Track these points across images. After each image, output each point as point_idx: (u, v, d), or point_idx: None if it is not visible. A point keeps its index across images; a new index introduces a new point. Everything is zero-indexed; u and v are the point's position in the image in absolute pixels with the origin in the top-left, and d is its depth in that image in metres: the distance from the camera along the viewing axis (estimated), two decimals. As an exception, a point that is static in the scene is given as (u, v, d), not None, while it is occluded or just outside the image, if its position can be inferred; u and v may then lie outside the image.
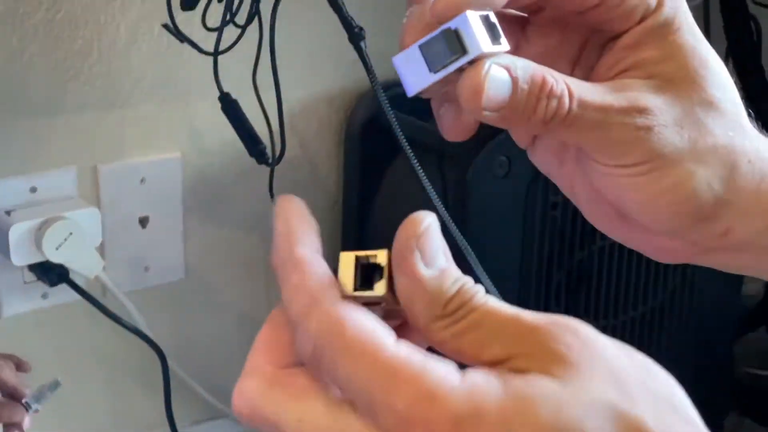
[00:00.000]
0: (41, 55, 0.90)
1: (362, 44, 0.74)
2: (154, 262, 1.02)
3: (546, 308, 0.99)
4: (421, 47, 0.40)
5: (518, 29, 0.44)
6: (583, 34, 0.44)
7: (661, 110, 0.41)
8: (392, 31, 1.17)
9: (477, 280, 0.35)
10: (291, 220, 0.37)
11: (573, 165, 0.45)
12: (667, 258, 0.46)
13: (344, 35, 0.81)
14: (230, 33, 0.87)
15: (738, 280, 1.16)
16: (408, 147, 0.71)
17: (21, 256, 0.90)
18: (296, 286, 0.34)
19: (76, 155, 0.94)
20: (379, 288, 0.34)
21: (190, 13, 0.84)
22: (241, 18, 0.86)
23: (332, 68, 1.06)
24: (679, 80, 0.42)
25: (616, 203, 0.44)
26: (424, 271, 0.34)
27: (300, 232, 0.37)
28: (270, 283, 1.10)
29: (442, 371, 0.31)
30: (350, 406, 0.32)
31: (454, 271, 0.34)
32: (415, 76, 0.41)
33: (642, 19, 0.42)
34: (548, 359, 0.31)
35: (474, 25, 0.39)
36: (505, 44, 0.39)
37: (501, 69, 0.39)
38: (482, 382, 0.31)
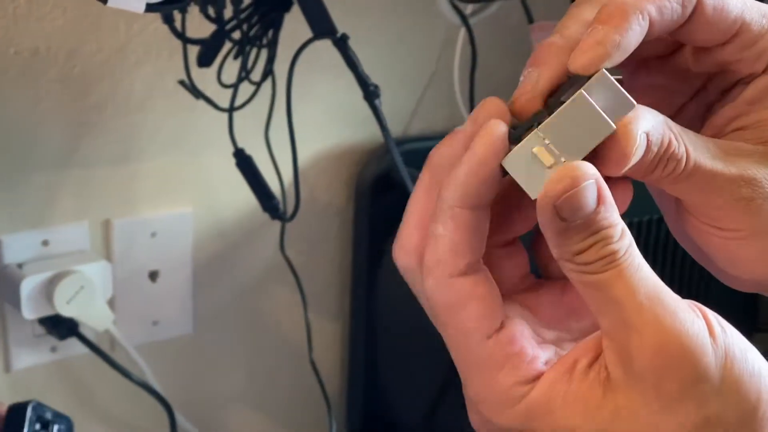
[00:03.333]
0: (56, 110, 0.91)
1: (377, 102, 0.75)
2: (164, 316, 1.02)
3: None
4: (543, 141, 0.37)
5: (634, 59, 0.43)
6: (704, 72, 0.43)
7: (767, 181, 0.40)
8: (404, 89, 1.19)
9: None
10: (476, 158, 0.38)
11: (670, 201, 0.44)
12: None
13: (356, 92, 0.82)
14: (244, 89, 0.88)
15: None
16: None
17: (32, 309, 0.90)
18: (438, 237, 0.38)
19: (88, 209, 0.95)
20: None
21: (205, 69, 0.85)
22: (255, 75, 0.87)
23: (343, 124, 1.07)
24: None
25: (705, 250, 0.43)
26: (557, 224, 0.36)
27: (471, 185, 0.38)
28: (280, 339, 1.10)
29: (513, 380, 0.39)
30: None
31: (601, 222, 0.36)
32: (536, 174, 0.37)
33: None
34: (620, 364, 0.36)
35: (612, 89, 0.37)
36: (632, 101, 0.38)
37: (644, 136, 0.38)
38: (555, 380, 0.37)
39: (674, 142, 0.38)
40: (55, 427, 0.69)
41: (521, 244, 0.43)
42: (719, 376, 0.36)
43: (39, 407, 0.69)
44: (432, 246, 0.38)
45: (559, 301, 0.41)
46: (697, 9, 0.39)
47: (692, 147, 0.39)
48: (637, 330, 0.36)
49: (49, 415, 0.70)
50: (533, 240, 0.43)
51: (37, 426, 0.68)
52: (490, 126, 0.37)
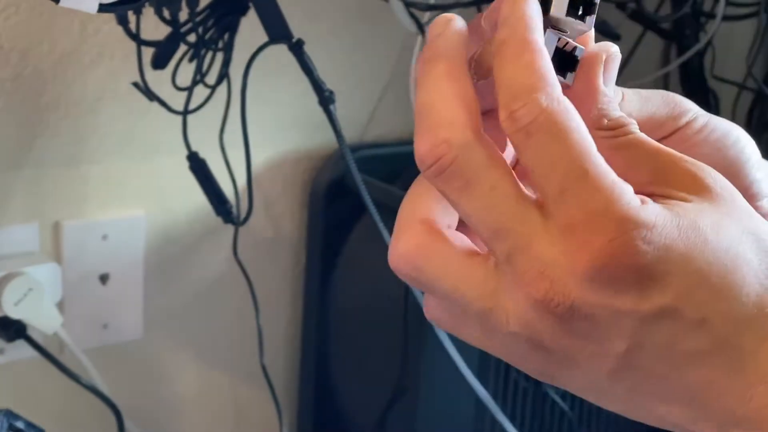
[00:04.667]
0: (7, 110, 0.90)
1: (332, 107, 0.75)
2: (114, 319, 1.01)
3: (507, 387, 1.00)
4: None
5: None
6: None
7: None
8: (360, 95, 1.19)
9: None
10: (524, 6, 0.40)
11: None
12: None
13: (312, 97, 0.82)
14: (199, 93, 0.88)
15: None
16: (374, 208, 0.72)
17: (-21, 311, 0.89)
18: (528, 63, 0.37)
19: (38, 210, 0.94)
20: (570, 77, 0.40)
21: (159, 72, 0.85)
22: (210, 78, 0.86)
23: (298, 130, 1.07)
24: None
25: None
26: (601, 85, 0.39)
27: (535, 19, 0.39)
28: (229, 345, 1.10)
29: (631, 194, 0.36)
30: (500, 267, 0.37)
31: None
32: None
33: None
34: (697, 188, 0.37)
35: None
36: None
37: None
38: (659, 209, 0.36)
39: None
40: None
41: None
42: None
43: (11, 416, 0.68)
44: (538, 62, 0.38)
45: None
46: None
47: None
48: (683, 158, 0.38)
49: (21, 425, 0.68)
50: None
51: None
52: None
